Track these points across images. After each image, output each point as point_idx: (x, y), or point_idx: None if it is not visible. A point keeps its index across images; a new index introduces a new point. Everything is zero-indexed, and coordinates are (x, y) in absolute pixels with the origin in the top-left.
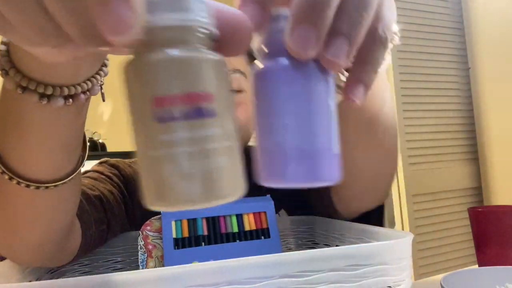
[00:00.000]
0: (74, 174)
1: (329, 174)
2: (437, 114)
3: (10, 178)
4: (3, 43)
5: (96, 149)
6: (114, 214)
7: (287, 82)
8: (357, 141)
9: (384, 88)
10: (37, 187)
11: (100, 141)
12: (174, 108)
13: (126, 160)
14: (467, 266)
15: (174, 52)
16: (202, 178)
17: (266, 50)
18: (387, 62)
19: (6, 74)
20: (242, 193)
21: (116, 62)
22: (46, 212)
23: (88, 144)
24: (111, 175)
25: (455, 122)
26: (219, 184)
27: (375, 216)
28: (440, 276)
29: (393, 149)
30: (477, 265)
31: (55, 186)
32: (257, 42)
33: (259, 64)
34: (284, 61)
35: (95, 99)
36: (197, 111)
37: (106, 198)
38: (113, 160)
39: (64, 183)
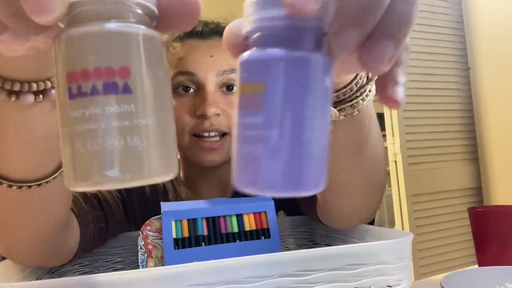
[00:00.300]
0: (59, 171)
1: (315, 182)
2: (437, 114)
3: None
4: None
5: None
6: (112, 212)
7: (283, 74)
8: (344, 166)
9: (370, 115)
10: (19, 187)
11: None
12: (85, 83)
13: None
14: (467, 266)
15: (87, 26)
16: (111, 156)
17: (258, 37)
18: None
19: None
20: (165, 176)
21: None
22: (34, 211)
23: None
24: None
25: (455, 122)
26: (123, 165)
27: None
28: (440, 276)
29: (380, 175)
30: (477, 265)
31: (38, 185)
32: (244, 27)
33: (247, 53)
34: (280, 51)
35: None
36: (108, 86)
37: (104, 196)
38: None
39: (48, 181)
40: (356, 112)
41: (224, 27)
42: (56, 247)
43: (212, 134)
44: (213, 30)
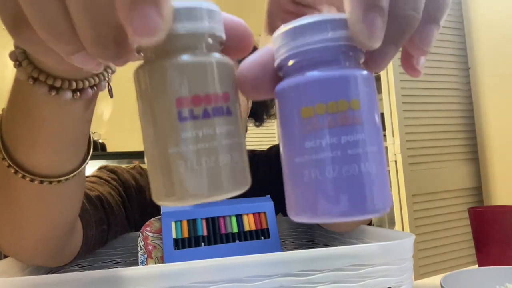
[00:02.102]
0: (79, 170)
1: (383, 203)
2: (437, 114)
3: (16, 172)
4: None
5: (96, 149)
6: (114, 215)
7: (369, 89)
8: None
9: None
10: (41, 182)
11: (100, 141)
12: (197, 107)
13: (124, 166)
14: (467, 266)
15: (195, 57)
16: (216, 172)
17: (293, 63)
18: None
19: (19, 65)
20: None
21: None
22: (50, 208)
23: (92, 142)
24: (109, 179)
25: (455, 122)
26: (230, 179)
27: None
28: (440, 276)
29: None
30: (477, 265)
31: (58, 181)
32: (285, 55)
33: (307, 75)
34: (322, 73)
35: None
36: (217, 109)
37: (106, 198)
38: (111, 166)
39: (68, 179)
40: None
41: None
42: (61, 247)
43: None
44: None
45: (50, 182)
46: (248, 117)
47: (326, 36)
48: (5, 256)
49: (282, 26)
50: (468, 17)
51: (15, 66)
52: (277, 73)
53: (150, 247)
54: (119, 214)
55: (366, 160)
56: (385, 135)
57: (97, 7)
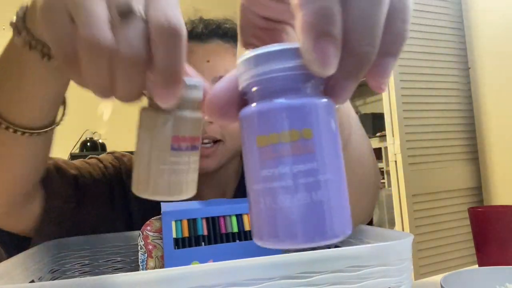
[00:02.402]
0: (53, 127)
1: (342, 228)
2: (437, 114)
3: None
4: (21, 8)
5: (96, 149)
6: (87, 196)
7: (324, 118)
8: None
9: (348, 113)
10: (23, 133)
11: (100, 141)
12: (177, 144)
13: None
14: (467, 266)
15: (192, 113)
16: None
17: (253, 91)
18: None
19: (18, 34)
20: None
21: None
22: (23, 158)
23: (66, 103)
24: (109, 165)
25: (455, 122)
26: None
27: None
28: (440, 276)
29: (368, 174)
30: (477, 265)
31: (38, 133)
32: (246, 81)
33: (250, 106)
34: (285, 100)
35: (95, 99)
36: (189, 147)
37: (84, 179)
38: (120, 153)
39: (46, 131)
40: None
41: (225, 29)
42: (21, 204)
43: (206, 141)
44: (213, 32)
45: (31, 134)
46: None
47: (282, 65)
48: (7, 257)
49: (246, 52)
50: (468, 17)
51: (14, 34)
52: (243, 98)
53: (150, 247)
54: (98, 197)
55: (319, 188)
56: (385, 135)
57: (135, 79)
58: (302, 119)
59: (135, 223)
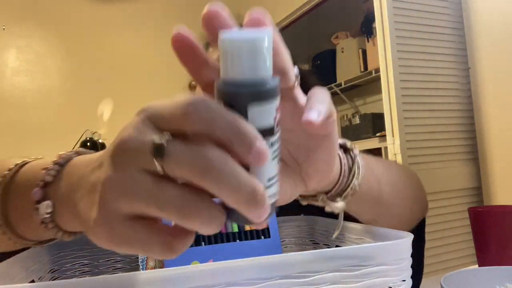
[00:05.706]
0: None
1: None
2: (437, 114)
3: (9, 238)
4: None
5: (96, 149)
6: None
7: None
8: (371, 217)
9: (371, 171)
10: (24, 244)
11: (100, 141)
12: None
13: None
14: (467, 266)
15: None
16: None
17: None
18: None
19: (46, 227)
20: None
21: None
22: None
23: None
24: None
25: (455, 122)
26: None
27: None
28: (440, 276)
29: (408, 201)
30: (477, 265)
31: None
32: None
33: None
34: None
35: (95, 99)
36: None
37: None
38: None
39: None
40: (357, 188)
41: None
42: None
43: None
44: None
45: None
46: None
47: None
48: (7, 257)
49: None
50: (468, 17)
51: (39, 224)
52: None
53: None
54: None
55: None
56: (385, 135)
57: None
58: None
59: None
